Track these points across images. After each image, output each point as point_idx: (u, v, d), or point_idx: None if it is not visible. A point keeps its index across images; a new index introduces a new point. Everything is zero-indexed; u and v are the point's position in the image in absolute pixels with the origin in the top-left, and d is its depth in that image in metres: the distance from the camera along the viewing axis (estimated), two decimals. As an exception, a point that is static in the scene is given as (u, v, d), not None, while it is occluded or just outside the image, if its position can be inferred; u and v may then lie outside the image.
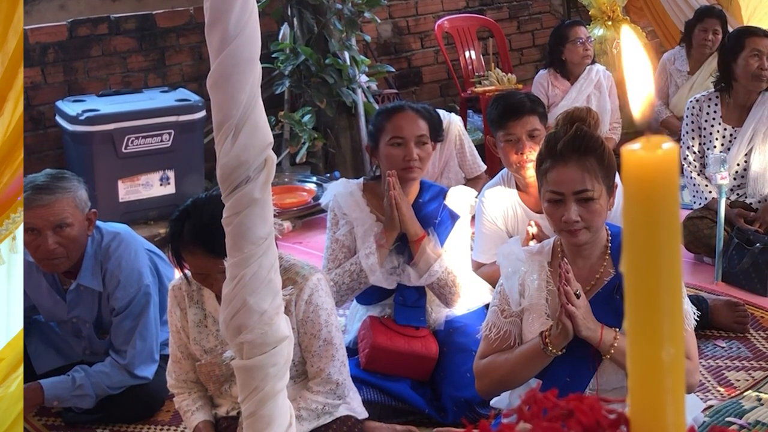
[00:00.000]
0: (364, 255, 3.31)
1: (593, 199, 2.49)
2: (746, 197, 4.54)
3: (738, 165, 4.53)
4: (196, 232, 2.62)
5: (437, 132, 3.44)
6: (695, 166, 4.64)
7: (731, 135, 4.56)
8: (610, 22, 6.86)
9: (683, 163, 4.66)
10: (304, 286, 2.75)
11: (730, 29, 5.85)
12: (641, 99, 0.73)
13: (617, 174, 2.68)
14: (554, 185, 2.52)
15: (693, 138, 4.65)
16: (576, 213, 2.49)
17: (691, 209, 4.62)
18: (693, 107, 4.66)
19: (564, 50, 5.66)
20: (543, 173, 2.57)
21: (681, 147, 4.66)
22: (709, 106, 4.63)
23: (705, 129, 4.63)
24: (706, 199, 4.52)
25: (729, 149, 4.53)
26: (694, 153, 4.65)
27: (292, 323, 2.75)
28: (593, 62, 5.76)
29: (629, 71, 0.74)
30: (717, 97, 4.63)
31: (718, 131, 4.59)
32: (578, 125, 2.53)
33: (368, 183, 3.48)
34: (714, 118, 4.61)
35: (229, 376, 2.83)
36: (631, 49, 0.74)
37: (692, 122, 4.66)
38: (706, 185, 4.53)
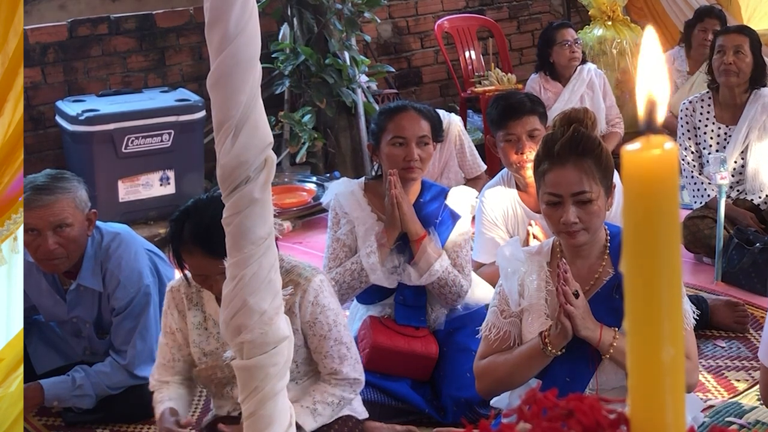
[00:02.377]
0: (365, 254, 3.31)
1: (591, 201, 2.49)
2: (746, 194, 4.57)
3: (735, 163, 4.55)
4: (196, 232, 2.61)
5: (438, 132, 3.45)
6: (694, 166, 4.66)
7: (726, 134, 4.59)
8: (610, 22, 6.86)
9: (682, 163, 4.67)
10: (308, 288, 2.74)
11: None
12: (650, 101, 0.72)
13: (617, 174, 2.68)
14: (552, 187, 2.52)
15: (689, 139, 4.68)
16: (574, 215, 2.49)
17: (691, 209, 4.63)
18: (686, 109, 4.70)
19: (552, 53, 5.67)
20: (541, 175, 2.56)
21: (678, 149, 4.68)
22: (702, 107, 4.66)
23: (699, 129, 4.65)
24: (708, 196, 4.52)
25: (725, 148, 4.55)
26: (692, 153, 4.67)
27: (296, 325, 2.75)
28: (584, 62, 5.76)
29: (644, 73, 0.73)
30: (710, 97, 4.67)
31: (712, 131, 4.62)
32: (576, 126, 2.52)
33: (369, 182, 3.48)
34: (708, 118, 4.64)
35: (230, 378, 2.82)
36: (650, 52, 0.73)
37: (687, 123, 4.69)
38: (709, 183, 4.53)
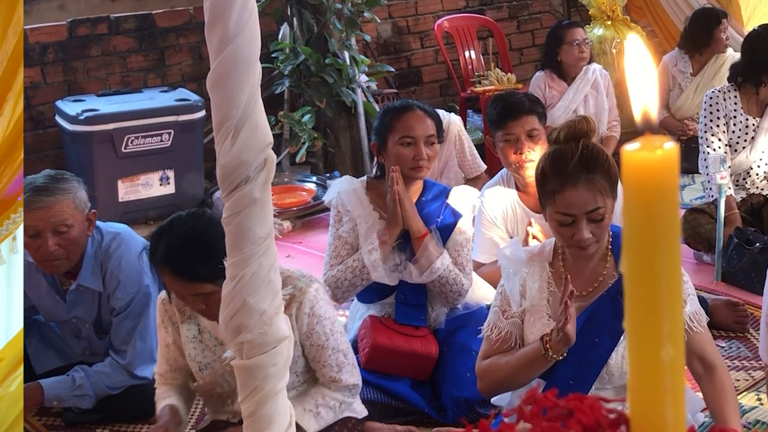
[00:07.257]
0: (367, 251, 3.30)
1: (604, 217, 2.48)
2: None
3: (763, 153, 4.57)
4: (168, 252, 2.56)
5: (441, 132, 3.46)
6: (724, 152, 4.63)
7: (754, 125, 4.60)
8: (609, 22, 6.86)
9: (708, 151, 4.60)
10: (303, 300, 2.70)
11: (731, 29, 5.86)
12: (643, 102, 0.73)
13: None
14: (565, 207, 2.46)
15: (717, 126, 4.63)
16: (588, 231, 2.46)
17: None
18: (716, 97, 4.65)
19: (560, 51, 5.65)
20: (549, 193, 2.49)
21: (700, 139, 4.68)
22: (728, 98, 4.65)
23: (730, 120, 4.64)
24: (729, 188, 4.50)
25: (753, 138, 4.57)
26: (719, 140, 4.62)
27: (295, 337, 2.73)
28: (590, 62, 5.75)
29: (632, 76, 0.73)
30: (735, 89, 4.65)
31: (741, 122, 4.63)
32: (584, 142, 2.48)
33: (372, 181, 3.49)
34: (736, 110, 4.64)
35: (230, 393, 2.79)
36: (636, 54, 0.73)
37: (718, 110, 4.63)
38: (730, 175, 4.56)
